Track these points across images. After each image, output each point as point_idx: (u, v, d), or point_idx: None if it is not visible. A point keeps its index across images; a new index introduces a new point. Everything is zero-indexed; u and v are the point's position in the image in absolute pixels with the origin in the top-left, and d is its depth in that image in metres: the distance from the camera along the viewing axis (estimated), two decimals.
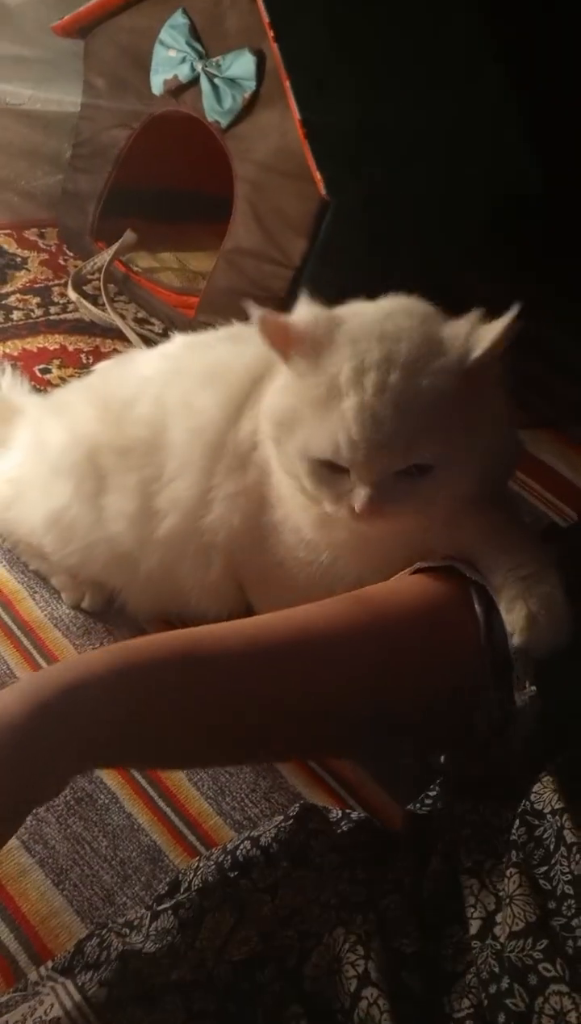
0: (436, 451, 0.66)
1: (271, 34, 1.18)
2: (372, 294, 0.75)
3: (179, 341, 0.94)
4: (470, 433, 0.67)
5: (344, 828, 0.66)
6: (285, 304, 0.77)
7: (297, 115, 1.19)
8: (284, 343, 0.68)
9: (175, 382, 0.88)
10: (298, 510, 0.78)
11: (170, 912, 0.60)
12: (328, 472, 0.68)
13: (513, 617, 0.63)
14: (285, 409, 0.70)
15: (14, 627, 1.01)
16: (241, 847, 0.66)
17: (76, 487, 0.92)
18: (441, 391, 0.65)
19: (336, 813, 0.69)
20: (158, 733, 0.57)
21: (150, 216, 1.62)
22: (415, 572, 0.69)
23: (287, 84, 1.19)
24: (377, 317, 0.69)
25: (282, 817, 0.67)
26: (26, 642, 1.00)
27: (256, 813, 0.89)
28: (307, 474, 0.69)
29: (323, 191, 1.21)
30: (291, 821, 0.66)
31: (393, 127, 1.23)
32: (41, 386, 1.31)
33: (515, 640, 0.63)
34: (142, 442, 0.88)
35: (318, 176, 1.20)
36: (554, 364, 1.70)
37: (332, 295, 0.73)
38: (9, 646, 0.99)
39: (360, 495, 0.66)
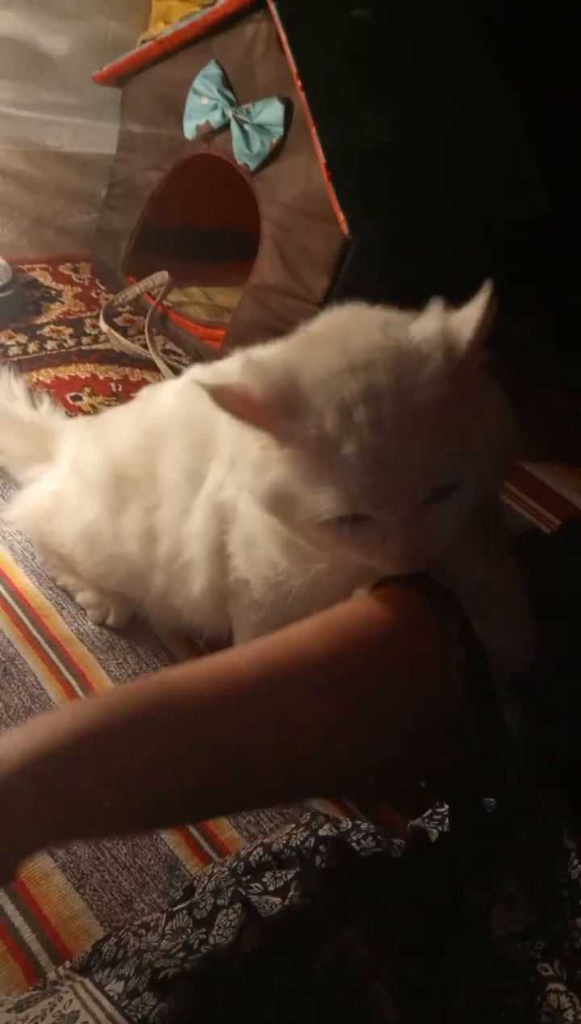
0: (456, 466, 0.59)
1: (299, 83, 1.25)
2: None
3: (192, 372, 0.96)
4: (479, 431, 0.61)
5: (352, 836, 0.68)
6: None
7: (322, 159, 1.25)
8: (252, 413, 0.60)
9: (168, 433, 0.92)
10: (267, 539, 0.73)
11: (185, 912, 0.62)
12: (350, 527, 0.60)
13: (492, 632, 0.65)
14: (276, 484, 0.62)
15: (42, 641, 1.05)
16: (254, 853, 0.69)
17: (103, 502, 0.97)
18: (440, 400, 0.58)
19: (346, 823, 0.72)
20: (126, 798, 0.52)
21: (180, 253, 1.69)
22: (380, 584, 0.65)
23: (313, 130, 1.26)
24: (332, 348, 0.61)
25: (294, 825, 0.70)
26: (53, 656, 1.04)
27: (270, 827, 0.91)
28: (325, 538, 0.62)
29: (346, 231, 1.26)
30: (302, 828, 0.69)
31: (413, 171, 1.29)
32: (72, 412, 1.37)
33: (496, 651, 0.64)
34: (145, 470, 0.93)
35: (342, 217, 1.26)
36: (578, 398, 1.75)
37: None
38: (37, 659, 1.03)
39: (395, 543, 0.59)
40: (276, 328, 1.37)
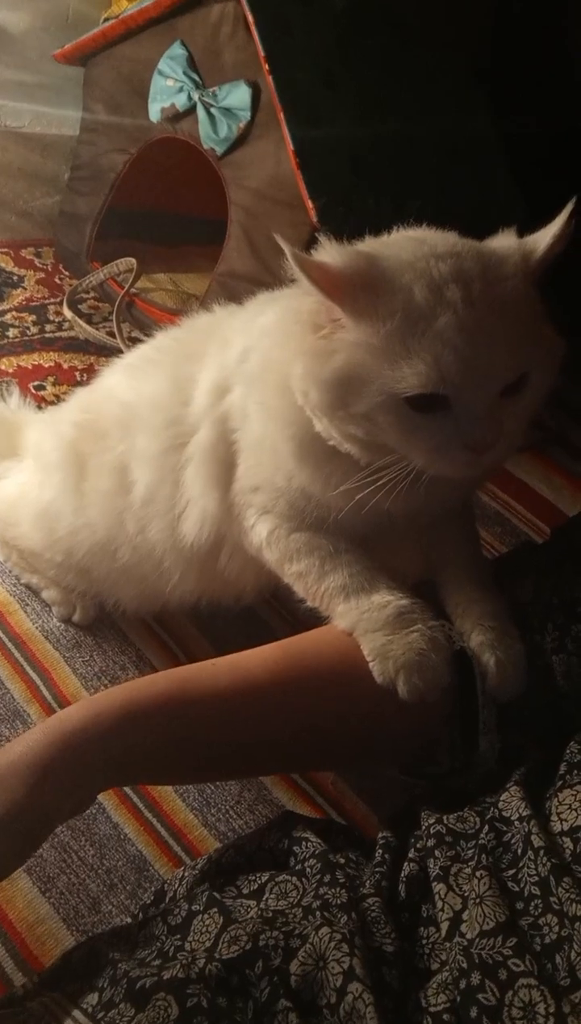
0: (534, 355, 0.61)
1: (266, 68, 1.22)
2: None
3: (132, 360, 0.97)
4: (546, 337, 0.64)
5: (325, 835, 0.68)
6: None
7: (290, 145, 1.23)
8: (330, 284, 0.60)
9: (137, 375, 0.92)
10: (283, 443, 0.71)
11: (159, 919, 0.62)
12: (420, 415, 0.60)
13: (483, 661, 0.66)
14: (339, 367, 0.61)
15: (5, 639, 1.03)
16: (226, 855, 0.69)
17: (62, 479, 0.95)
18: (521, 292, 0.61)
19: (318, 822, 0.72)
20: (158, 761, 0.65)
21: (145, 238, 1.66)
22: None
23: (281, 115, 1.23)
24: (414, 242, 0.64)
25: (266, 825, 0.69)
26: (17, 654, 1.02)
27: (241, 824, 0.91)
28: (393, 425, 0.61)
29: (315, 219, 1.24)
30: (275, 829, 0.68)
31: (384, 159, 1.27)
32: (36, 402, 1.34)
33: (489, 683, 0.66)
34: (117, 423, 0.90)
35: (310, 205, 1.24)
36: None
37: None
38: (0, 658, 1.01)
39: (473, 423, 0.59)
40: None
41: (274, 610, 1.09)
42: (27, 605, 1.07)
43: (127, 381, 0.94)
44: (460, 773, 0.68)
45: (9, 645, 1.03)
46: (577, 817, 0.56)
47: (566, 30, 1.70)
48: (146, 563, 0.90)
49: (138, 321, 1.56)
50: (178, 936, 0.59)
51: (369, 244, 0.67)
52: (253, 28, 1.21)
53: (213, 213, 1.47)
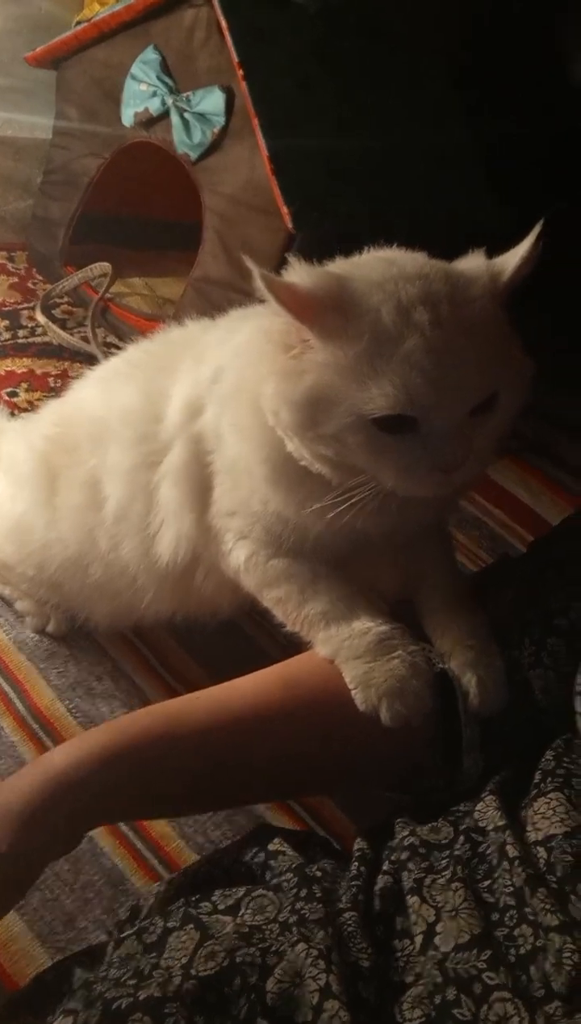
0: (502, 376, 0.61)
1: (240, 73, 1.22)
2: None
3: (104, 372, 0.96)
4: (513, 359, 0.64)
5: (302, 848, 0.67)
6: None
7: (265, 151, 1.23)
8: (300, 306, 0.60)
9: (109, 389, 0.91)
10: (257, 465, 0.71)
11: (133, 937, 0.61)
12: (389, 436, 0.60)
13: (465, 681, 0.67)
14: (309, 387, 0.61)
15: None
16: (201, 869, 0.68)
17: (32, 493, 0.94)
18: (489, 313, 0.61)
19: (295, 834, 0.71)
20: (146, 799, 0.67)
21: (120, 242, 1.64)
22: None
23: (255, 121, 1.23)
24: (384, 263, 0.64)
25: (242, 838, 0.69)
26: None
27: (218, 836, 0.90)
28: (362, 446, 0.61)
29: (290, 225, 1.24)
30: (251, 842, 0.68)
31: (359, 165, 1.27)
32: (9, 409, 1.32)
33: (471, 702, 0.66)
34: (88, 437, 0.89)
35: (285, 211, 1.24)
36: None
37: None
38: None
39: (441, 444, 0.59)
40: None
41: (253, 620, 1.09)
42: (0, 616, 1.05)
43: (99, 394, 0.93)
44: (443, 790, 0.68)
45: None
46: (551, 826, 0.56)
47: (555, 31, 1.71)
48: (119, 580, 0.89)
49: (113, 326, 1.55)
50: (154, 954, 0.58)
51: (340, 265, 0.67)
52: (226, 33, 1.21)
53: (188, 217, 1.46)
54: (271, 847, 0.66)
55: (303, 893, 0.61)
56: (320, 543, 0.73)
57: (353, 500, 0.64)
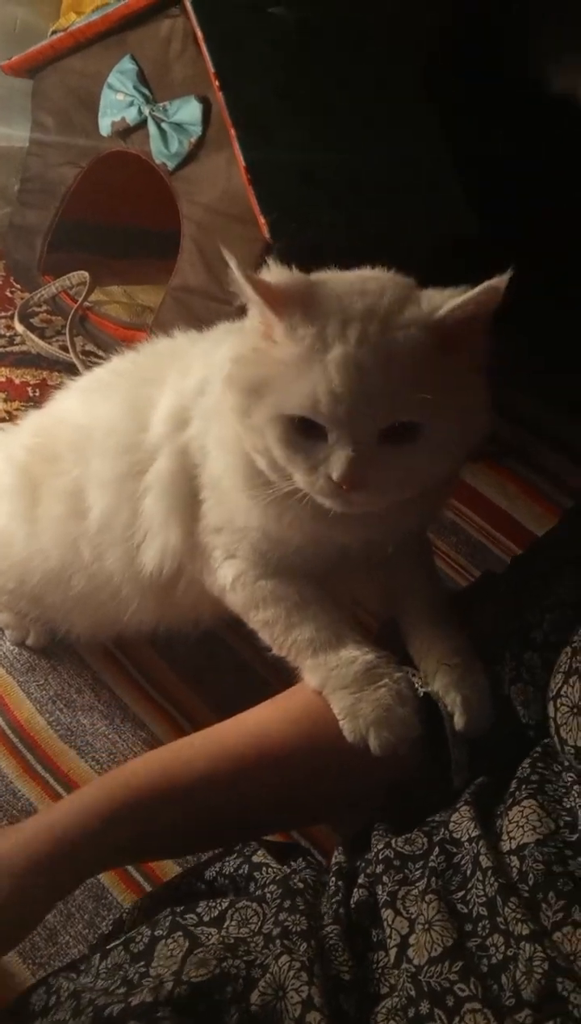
0: (419, 409, 0.62)
1: (216, 84, 1.22)
2: None
3: (88, 383, 0.96)
4: (451, 400, 0.63)
5: (285, 859, 0.68)
6: None
7: (241, 161, 1.23)
8: (273, 299, 0.63)
9: (92, 399, 0.92)
10: (234, 472, 0.73)
11: (120, 947, 0.61)
12: (302, 438, 0.63)
13: (449, 701, 0.68)
14: (255, 375, 0.65)
15: None
16: (184, 882, 0.68)
17: (12, 504, 0.93)
18: (416, 343, 0.62)
19: (278, 845, 0.72)
20: (147, 848, 0.72)
21: (98, 250, 1.64)
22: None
23: (232, 131, 1.23)
24: (358, 278, 0.68)
25: (225, 850, 0.69)
26: None
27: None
28: (278, 441, 0.64)
29: (267, 235, 1.24)
30: (235, 855, 0.68)
31: (335, 175, 1.28)
32: None
33: (456, 723, 0.67)
34: (71, 446, 0.89)
35: (262, 220, 1.24)
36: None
37: None
38: None
39: (341, 458, 0.61)
40: (198, 330, 1.35)
41: (233, 631, 1.09)
42: None
43: (82, 404, 0.93)
44: (435, 807, 0.69)
45: None
46: (524, 834, 0.57)
47: (529, 40, 1.73)
48: (103, 591, 0.89)
49: (92, 335, 1.55)
50: (142, 963, 0.59)
51: (325, 274, 0.70)
52: (202, 44, 1.21)
53: (166, 225, 1.46)
54: (255, 859, 0.67)
55: (287, 904, 0.61)
56: (302, 558, 0.74)
57: (286, 493, 0.66)
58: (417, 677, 0.71)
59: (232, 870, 0.67)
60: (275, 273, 0.66)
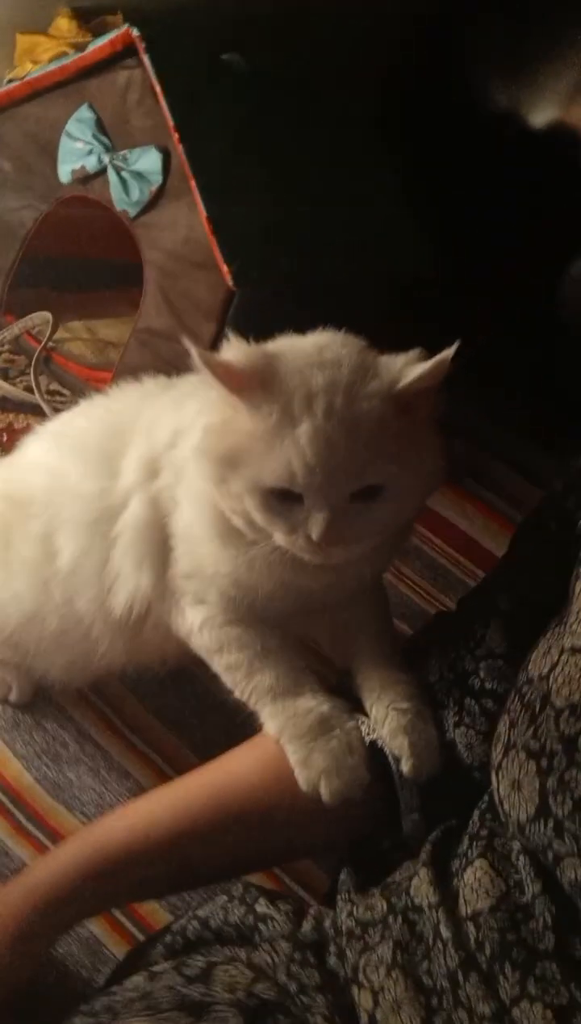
0: (385, 471, 0.68)
1: (176, 136, 1.24)
2: None
3: (57, 426, 0.99)
4: (411, 458, 0.69)
5: (289, 913, 0.71)
6: None
7: (203, 212, 1.25)
8: (231, 380, 0.68)
9: (63, 443, 0.94)
10: (206, 525, 0.77)
11: (172, 971, 0.66)
12: (279, 503, 0.68)
13: (397, 746, 0.73)
14: (227, 447, 0.70)
15: None
16: (190, 927, 0.72)
17: None
18: (379, 414, 0.67)
19: (274, 894, 0.75)
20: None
21: (58, 284, 1.65)
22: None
23: (193, 182, 1.25)
24: (314, 348, 0.71)
25: (226, 897, 0.73)
26: None
27: (191, 894, 0.94)
28: (257, 507, 0.69)
29: (230, 282, 1.27)
30: (236, 902, 0.72)
31: (296, 220, 1.31)
32: None
33: (404, 767, 0.72)
34: (42, 489, 0.92)
35: (225, 269, 1.27)
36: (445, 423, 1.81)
37: None
38: None
39: (318, 520, 0.67)
40: (164, 373, 1.37)
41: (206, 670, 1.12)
42: None
43: (53, 449, 0.95)
44: (393, 850, 0.73)
45: None
46: (478, 899, 0.60)
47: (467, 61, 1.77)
48: (74, 632, 0.92)
49: (56, 375, 1.56)
50: (201, 984, 0.64)
51: (280, 343, 0.75)
52: (161, 97, 1.23)
53: (124, 255, 1.47)
54: (259, 909, 0.70)
55: (298, 956, 0.65)
56: (269, 603, 0.79)
57: (264, 550, 0.72)
58: (366, 724, 0.76)
59: (237, 919, 0.71)
60: (235, 348, 0.70)
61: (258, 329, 1.33)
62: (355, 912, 0.66)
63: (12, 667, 1.05)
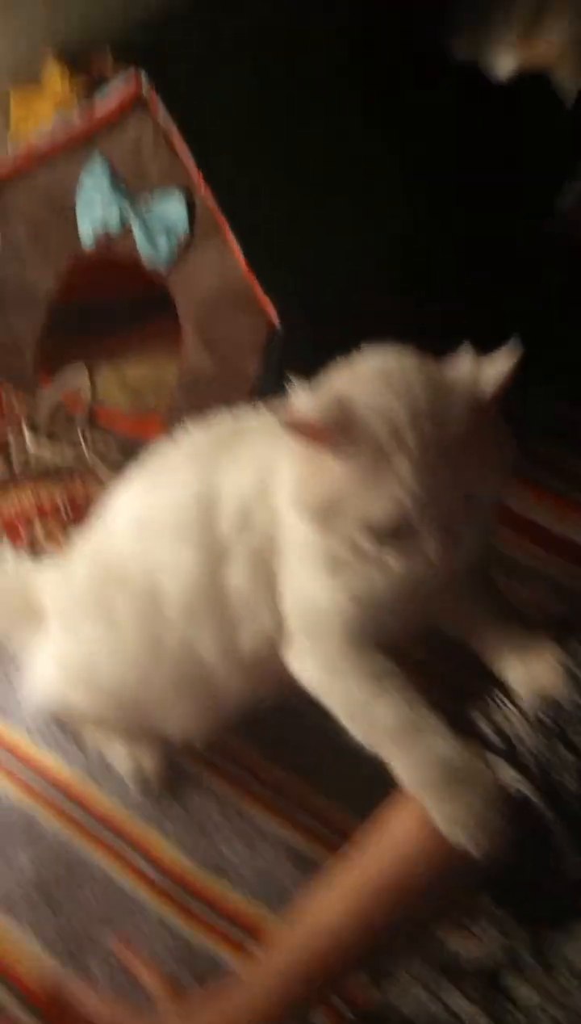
0: (487, 479, 0.72)
1: (199, 178, 1.21)
2: None
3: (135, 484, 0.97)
4: (497, 455, 0.73)
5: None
6: None
7: (240, 255, 1.23)
8: (314, 436, 0.70)
9: (148, 532, 0.92)
10: (312, 563, 0.79)
11: None
12: (390, 535, 0.71)
13: (533, 673, 0.80)
14: (325, 495, 0.72)
15: (87, 821, 1.04)
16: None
17: (92, 626, 0.96)
18: (467, 428, 0.69)
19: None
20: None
21: (84, 329, 1.61)
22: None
23: (223, 224, 1.23)
24: (378, 377, 0.72)
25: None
26: (106, 835, 1.03)
27: None
28: (370, 543, 0.72)
29: (275, 322, 1.25)
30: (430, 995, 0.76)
31: (328, 248, 1.28)
32: (29, 549, 1.31)
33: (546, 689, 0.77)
34: (134, 554, 0.92)
35: (267, 306, 1.25)
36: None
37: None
38: (97, 849, 1.02)
39: (434, 543, 0.70)
40: (213, 414, 1.36)
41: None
42: (102, 783, 1.07)
43: (138, 498, 0.95)
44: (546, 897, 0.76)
45: (95, 826, 1.03)
46: None
47: None
48: (194, 674, 0.93)
49: (103, 432, 1.54)
50: None
51: (343, 380, 0.75)
52: (177, 141, 1.20)
53: (138, 291, 1.45)
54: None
55: None
56: (389, 616, 0.81)
57: (380, 567, 0.74)
58: (504, 770, 0.75)
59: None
60: (305, 402, 0.71)
61: (306, 360, 1.32)
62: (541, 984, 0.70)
63: (140, 738, 1.06)
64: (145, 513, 0.93)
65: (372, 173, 1.44)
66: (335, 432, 0.69)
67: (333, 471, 0.70)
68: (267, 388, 1.32)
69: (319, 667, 0.83)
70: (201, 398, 1.40)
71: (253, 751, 1.11)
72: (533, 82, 1.77)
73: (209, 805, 1.07)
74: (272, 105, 1.34)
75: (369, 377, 0.73)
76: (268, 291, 1.25)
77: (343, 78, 1.46)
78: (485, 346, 0.75)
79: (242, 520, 0.84)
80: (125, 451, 1.51)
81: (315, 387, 0.74)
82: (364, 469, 0.69)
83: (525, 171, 1.59)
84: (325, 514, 0.72)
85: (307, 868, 1.01)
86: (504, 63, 1.93)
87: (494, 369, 0.71)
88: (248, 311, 1.29)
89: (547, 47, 2.01)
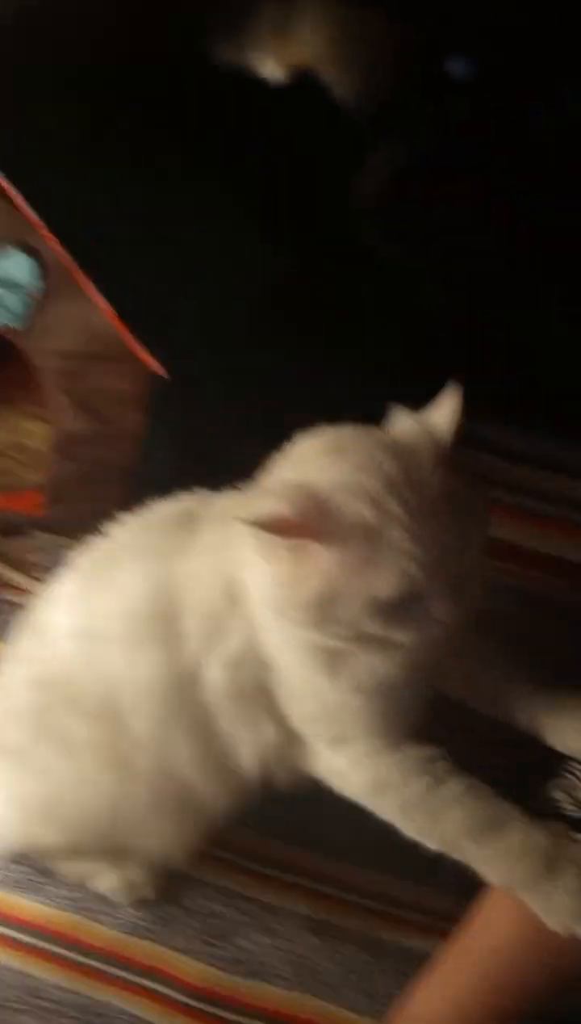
0: (477, 528, 0.69)
1: (49, 234, 1.10)
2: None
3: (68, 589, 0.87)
4: (477, 497, 0.70)
5: None
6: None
7: (104, 304, 1.14)
8: (295, 531, 0.66)
9: (95, 641, 0.83)
10: (311, 667, 0.74)
11: None
12: (398, 609, 0.67)
13: None
14: (313, 590, 0.66)
15: (98, 964, 0.95)
16: None
17: (45, 755, 0.86)
18: (444, 479, 0.67)
19: None
20: None
21: None
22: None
23: (80, 278, 1.13)
24: (332, 458, 0.69)
25: None
26: (113, 969, 0.94)
27: None
28: (375, 622, 0.67)
29: (158, 370, 1.18)
30: None
31: (200, 291, 1.22)
32: None
33: None
34: (81, 663, 0.83)
35: (145, 358, 1.17)
36: None
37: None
38: (107, 987, 0.93)
39: (446, 606, 0.67)
40: (99, 477, 1.26)
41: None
42: (97, 915, 0.98)
43: (76, 605, 0.85)
44: None
45: (100, 965, 0.94)
46: None
47: None
48: (177, 795, 0.85)
49: None
50: None
51: (288, 469, 0.71)
52: (21, 200, 1.08)
53: None
54: None
55: None
56: (409, 691, 0.77)
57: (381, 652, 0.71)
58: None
59: None
60: (271, 501, 0.66)
61: (189, 408, 1.25)
62: None
63: (125, 860, 0.97)
64: (87, 622, 0.83)
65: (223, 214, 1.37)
66: (315, 521, 0.65)
67: (321, 562, 0.66)
68: (163, 443, 1.24)
69: (357, 778, 0.78)
70: (82, 460, 1.30)
71: (242, 831, 1.05)
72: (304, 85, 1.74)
73: (213, 903, 1.01)
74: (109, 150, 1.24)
75: (321, 461, 0.69)
76: (145, 341, 1.16)
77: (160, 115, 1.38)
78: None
79: (211, 628, 0.77)
80: (7, 531, 1.37)
81: (254, 485, 0.71)
82: (357, 550, 0.65)
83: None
84: (321, 607, 0.67)
85: (328, 933, 0.98)
86: (267, 65, 1.89)
87: (442, 417, 0.70)
88: (121, 360, 1.20)
89: (300, 45, 1.98)
